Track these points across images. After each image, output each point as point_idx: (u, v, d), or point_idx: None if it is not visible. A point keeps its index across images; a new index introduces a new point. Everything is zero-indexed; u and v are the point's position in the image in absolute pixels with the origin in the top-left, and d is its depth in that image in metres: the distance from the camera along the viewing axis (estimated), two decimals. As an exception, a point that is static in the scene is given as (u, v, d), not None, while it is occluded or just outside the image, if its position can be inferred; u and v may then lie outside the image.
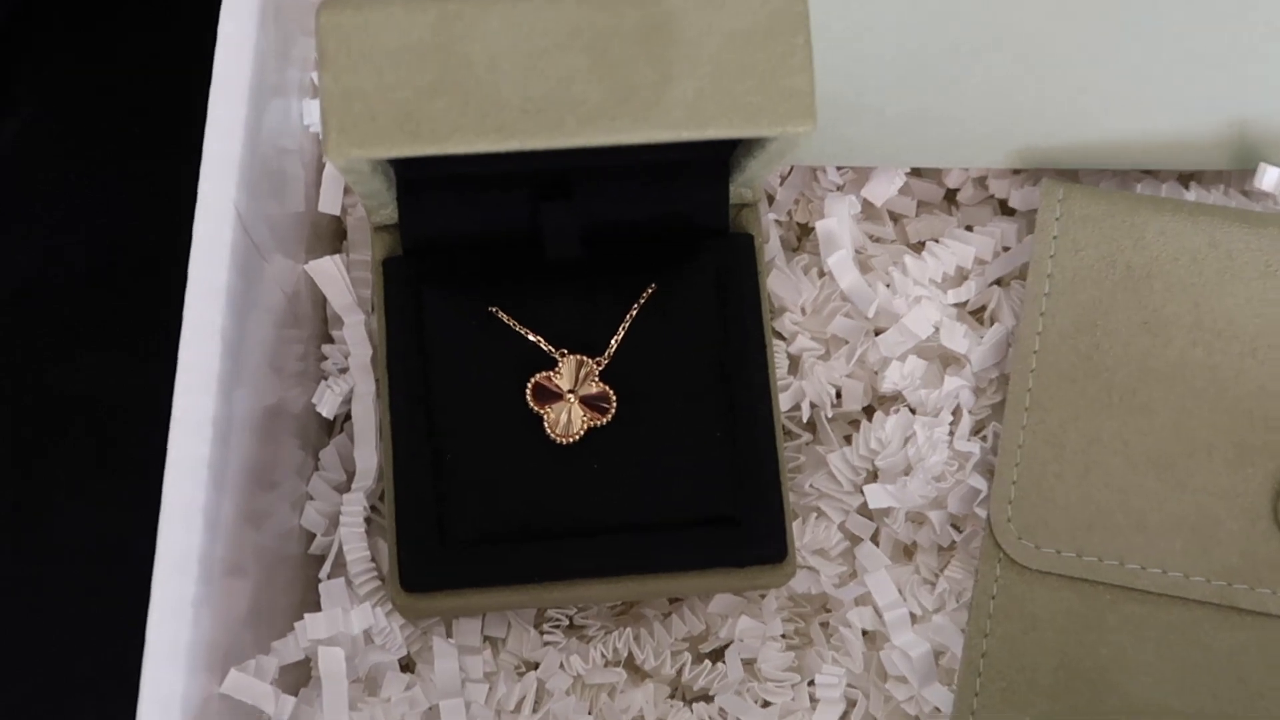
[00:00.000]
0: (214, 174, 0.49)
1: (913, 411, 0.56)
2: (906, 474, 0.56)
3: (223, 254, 0.48)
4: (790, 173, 0.59)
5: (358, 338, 0.57)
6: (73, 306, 0.68)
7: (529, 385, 0.51)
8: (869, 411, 0.58)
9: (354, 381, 0.57)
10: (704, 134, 0.44)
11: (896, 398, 0.57)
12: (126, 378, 0.65)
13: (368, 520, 0.56)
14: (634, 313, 0.52)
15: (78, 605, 0.65)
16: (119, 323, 0.67)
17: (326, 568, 0.56)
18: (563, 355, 0.52)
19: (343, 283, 0.57)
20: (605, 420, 0.52)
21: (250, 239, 0.50)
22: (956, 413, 0.56)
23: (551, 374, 0.52)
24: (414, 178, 0.53)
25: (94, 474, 0.66)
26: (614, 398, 0.52)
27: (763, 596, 0.57)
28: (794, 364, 0.58)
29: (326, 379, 0.57)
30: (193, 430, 0.46)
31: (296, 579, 0.57)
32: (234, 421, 0.51)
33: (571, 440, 0.51)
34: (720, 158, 0.53)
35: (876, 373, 0.57)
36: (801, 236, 0.61)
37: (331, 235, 0.61)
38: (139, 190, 0.69)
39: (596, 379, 0.52)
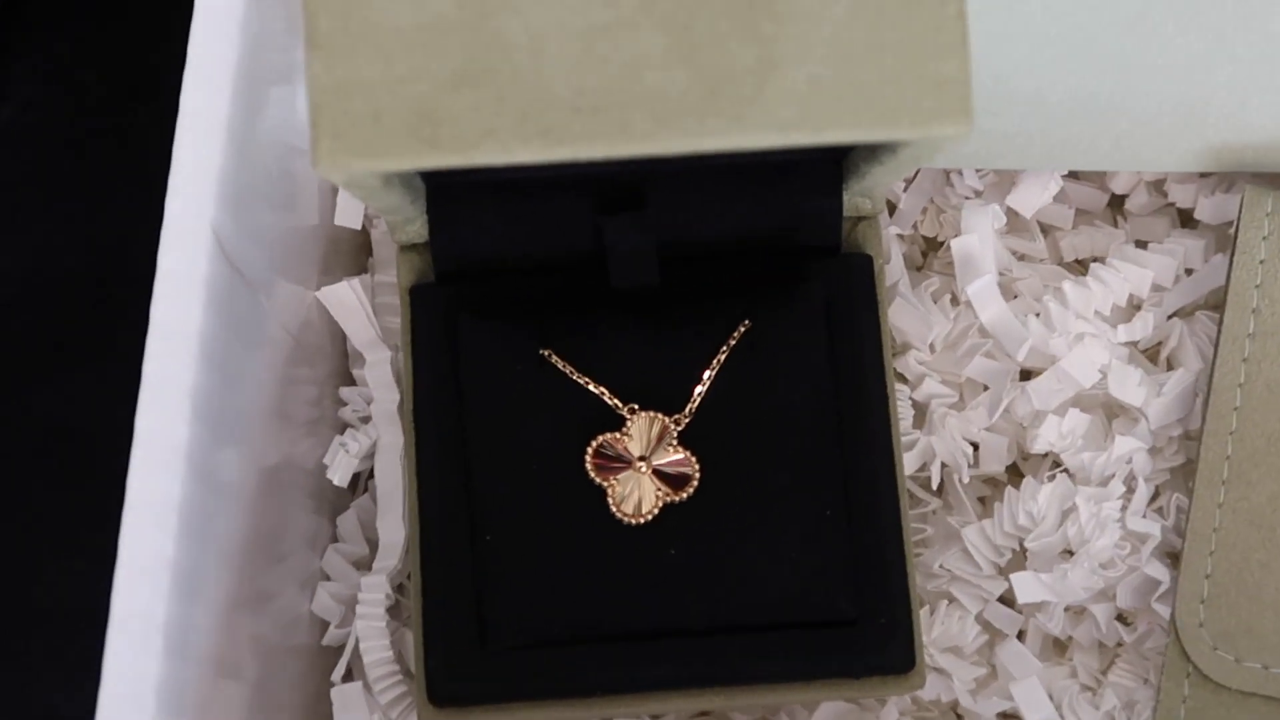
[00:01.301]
0: (185, 189, 0.38)
1: (1072, 479, 0.45)
2: (1065, 558, 0.44)
3: (194, 289, 0.37)
4: (916, 176, 0.47)
5: (382, 379, 0.47)
6: (56, 321, 0.58)
7: (590, 450, 0.42)
8: (1014, 475, 0.46)
9: (378, 433, 0.47)
10: (820, 138, 0.33)
11: (1051, 460, 0.46)
12: (110, 403, 0.55)
13: (391, 609, 0.45)
14: (722, 357, 0.42)
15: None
16: (102, 340, 0.57)
17: (340, 668, 0.46)
18: (632, 412, 0.41)
19: (362, 312, 0.46)
20: (685, 495, 0.43)
21: (233, 267, 0.40)
22: (1130, 481, 0.45)
23: (618, 435, 0.41)
24: (446, 184, 0.42)
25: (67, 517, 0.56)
26: (697, 466, 0.42)
27: (881, 703, 0.46)
28: (920, 414, 0.47)
29: (345, 431, 0.47)
30: (149, 516, 0.36)
31: (306, 677, 0.47)
32: (222, 487, 0.41)
33: (643, 520, 0.43)
34: (834, 159, 0.42)
35: (1025, 428, 0.46)
36: (929, 253, 0.49)
37: (355, 252, 0.51)
38: (127, 190, 0.60)
39: (674, 442, 0.42)
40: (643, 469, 0.42)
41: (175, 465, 0.37)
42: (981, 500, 0.48)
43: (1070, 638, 0.47)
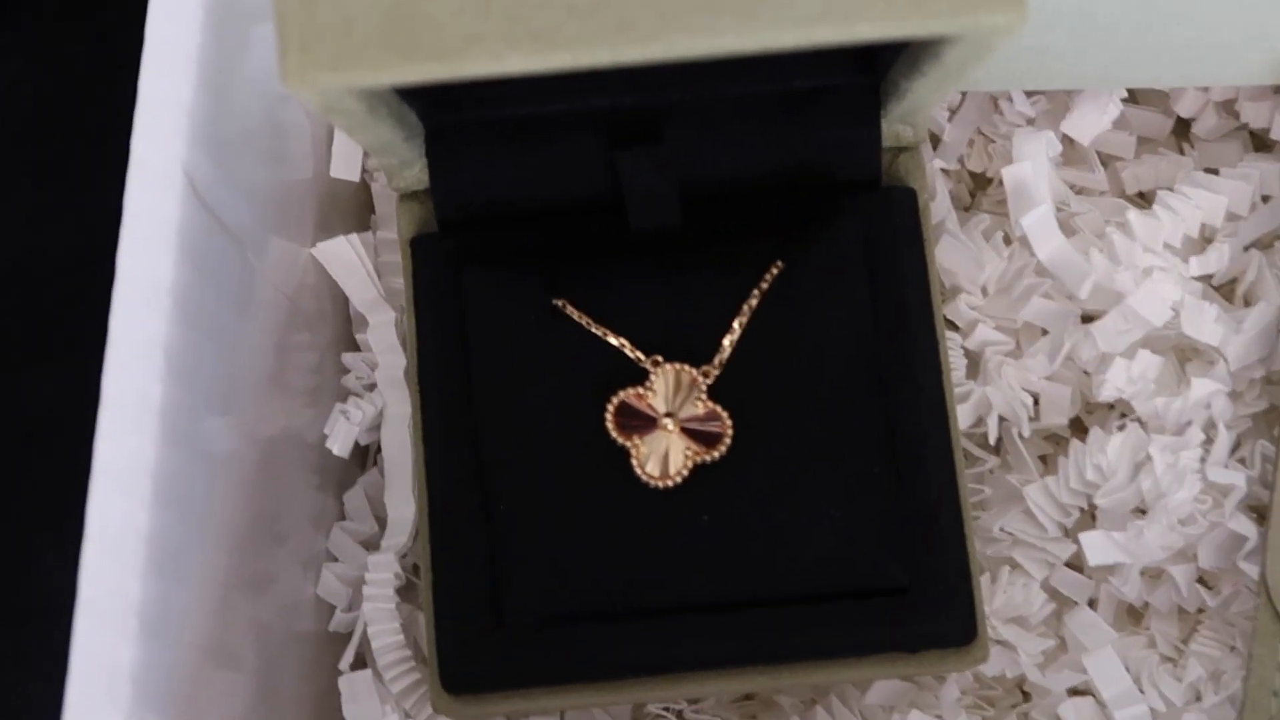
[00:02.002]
0: (153, 128, 0.34)
1: (1144, 428, 0.41)
2: (1138, 516, 0.40)
3: (165, 236, 0.34)
4: (962, 103, 0.43)
5: (386, 343, 0.43)
6: (42, 305, 0.55)
7: (611, 407, 0.38)
8: (1076, 430, 0.42)
9: (383, 401, 0.43)
10: (849, 33, 0.29)
11: (1120, 409, 0.41)
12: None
13: (401, 590, 0.41)
14: (753, 302, 0.38)
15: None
16: (91, 325, 0.54)
17: (348, 655, 0.43)
18: (656, 364, 0.37)
19: (362, 270, 0.43)
20: (717, 454, 0.39)
21: (213, 215, 0.36)
22: (1209, 429, 0.41)
23: (641, 390, 0.38)
24: (445, 124, 0.39)
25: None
26: (729, 422, 0.38)
27: (940, 680, 0.41)
28: (974, 364, 0.43)
29: (347, 399, 0.43)
30: (117, 481, 0.32)
31: (312, 665, 0.43)
32: (213, 460, 0.38)
33: (671, 483, 0.39)
34: (870, 80, 0.38)
35: (1090, 374, 0.41)
36: (977, 192, 0.45)
37: (356, 210, 0.47)
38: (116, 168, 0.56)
39: (703, 396, 0.38)
40: (669, 426, 0.38)
41: (147, 425, 0.34)
42: (1041, 459, 0.44)
43: (1147, 604, 0.42)
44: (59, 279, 0.57)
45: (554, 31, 0.29)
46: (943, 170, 0.44)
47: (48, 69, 0.61)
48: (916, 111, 0.39)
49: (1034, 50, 0.40)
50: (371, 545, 0.44)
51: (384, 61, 0.29)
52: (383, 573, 0.42)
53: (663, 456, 0.39)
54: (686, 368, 0.39)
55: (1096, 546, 0.40)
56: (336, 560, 0.44)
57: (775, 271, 0.40)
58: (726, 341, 0.39)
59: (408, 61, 0.29)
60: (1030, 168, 0.41)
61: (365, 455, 0.47)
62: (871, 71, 0.39)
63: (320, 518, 0.45)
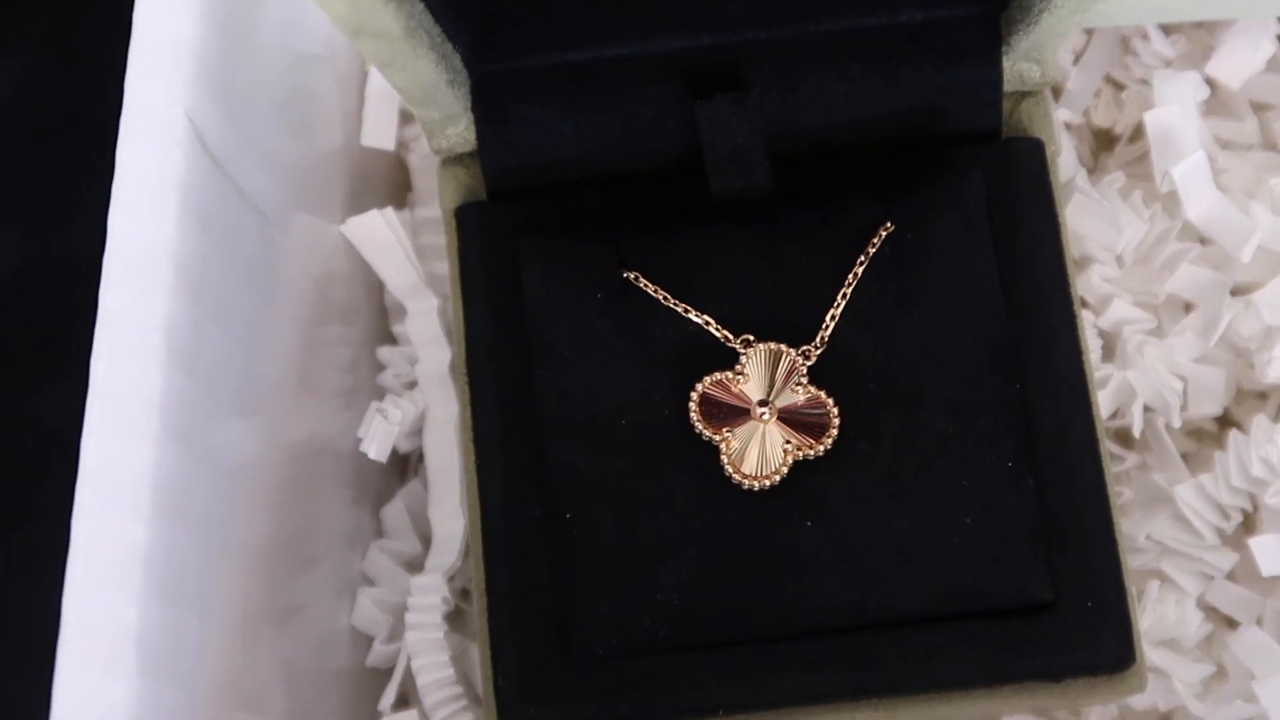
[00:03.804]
0: (149, 62, 0.29)
1: (1320, 414, 0.35)
2: (1315, 517, 0.34)
3: (164, 189, 0.28)
4: (1087, 44, 0.38)
5: (428, 334, 0.38)
6: (53, 315, 0.50)
7: (695, 395, 0.33)
8: (1229, 420, 0.36)
9: (425, 401, 0.37)
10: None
11: (1285, 393, 0.36)
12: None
13: (450, 617, 0.36)
14: (859, 270, 0.33)
15: None
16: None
17: (389, 694, 0.38)
18: (747, 345, 0.32)
19: (399, 248, 0.37)
20: (821, 449, 0.33)
21: (227, 177, 0.31)
22: (1399, 413, 0.34)
23: (731, 376, 0.32)
24: (494, 71, 0.33)
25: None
26: (835, 411, 0.32)
27: (1075, 715, 0.36)
28: (1109, 346, 0.37)
29: (384, 399, 0.37)
30: (107, 490, 0.27)
31: (347, 706, 0.38)
32: (230, 470, 0.33)
33: (768, 483, 0.33)
34: (989, 9, 0.33)
35: (1252, 354, 0.35)
36: (1100, 151, 0.39)
37: (391, 188, 0.42)
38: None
39: (804, 381, 0.32)
40: (765, 416, 0.33)
41: (145, 424, 0.28)
42: (1183, 455, 0.38)
43: (1322, 623, 0.36)
44: (64, 290, 0.53)
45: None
46: (1065, 125, 0.39)
47: (56, 65, 0.57)
48: (1047, 44, 0.34)
49: (1179, -26, 0.34)
50: (414, 567, 0.40)
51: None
52: (428, 597, 0.37)
53: (758, 453, 0.33)
54: (783, 348, 0.33)
55: (1271, 553, 0.34)
56: (374, 584, 0.40)
57: (884, 235, 0.34)
58: (829, 317, 0.34)
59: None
60: (1178, 112, 0.35)
61: (405, 464, 0.42)
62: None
63: (355, 536, 0.40)
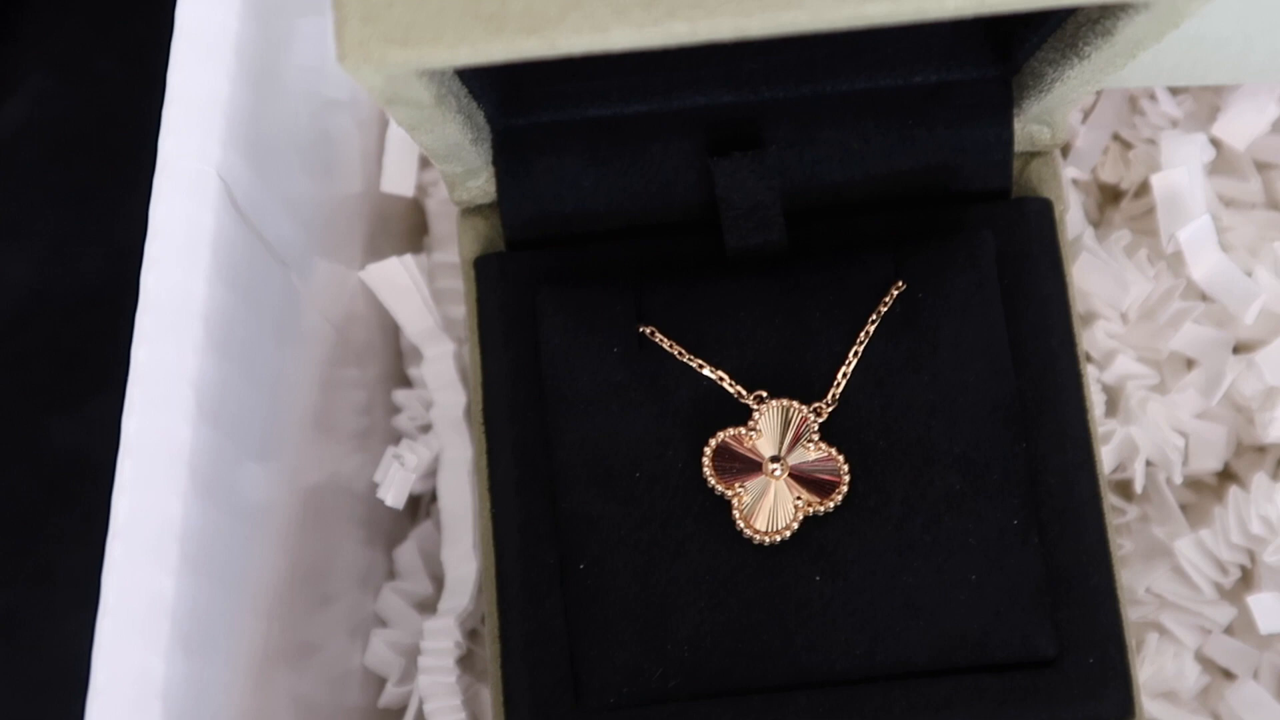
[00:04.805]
0: (183, 124, 0.29)
1: (1319, 473, 0.35)
2: (1313, 575, 0.35)
3: (197, 249, 0.29)
4: (1096, 103, 0.38)
5: (444, 378, 0.39)
6: (72, 338, 0.50)
7: (708, 450, 0.33)
8: (1222, 477, 0.37)
9: (440, 444, 0.38)
10: (1006, 2, 0.24)
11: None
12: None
13: (462, 660, 0.36)
14: (870, 329, 0.33)
15: None
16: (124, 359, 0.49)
17: None
18: (760, 401, 0.33)
19: (417, 295, 0.38)
20: (831, 504, 0.34)
21: (253, 230, 0.31)
22: (1397, 474, 0.35)
23: (744, 431, 0.33)
24: (517, 125, 0.34)
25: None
26: (845, 469, 0.32)
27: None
28: (1113, 400, 0.37)
29: (400, 442, 0.38)
30: (140, 544, 0.27)
31: (360, 747, 0.38)
32: (247, 513, 0.33)
33: (779, 538, 0.34)
34: (1002, 73, 0.33)
35: (1252, 412, 0.36)
36: (1106, 206, 0.40)
37: (408, 231, 0.42)
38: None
39: (815, 437, 0.32)
40: (777, 472, 0.33)
41: (175, 478, 0.29)
42: (1183, 508, 0.39)
43: (1317, 676, 0.37)
44: (87, 313, 0.53)
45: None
46: (1073, 181, 0.39)
47: (76, 85, 0.57)
48: (1058, 109, 0.34)
49: (1190, 37, 0.35)
50: (427, 608, 0.40)
51: (466, 34, 0.24)
52: (440, 640, 0.38)
53: (769, 507, 0.33)
54: (795, 404, 0.34)
55: (1269, 611, 0.35)
56: (387, 625, 0.40)
57: (895, 293, 0.34)
58: (840, 374, 0.34)
59: (495, 34, 0.24)
60: (1184, 174, 0.36)
61: (418, 506, 0.42)
62: (1005, 62, 0.34)
63: (368, 576, 0.40)
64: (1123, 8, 0.27)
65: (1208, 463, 0.38)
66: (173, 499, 0.29)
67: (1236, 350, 0.38)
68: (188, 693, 0.29)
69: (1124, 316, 0.38)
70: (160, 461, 0.28)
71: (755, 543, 0.34)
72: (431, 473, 0.40)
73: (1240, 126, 0.38)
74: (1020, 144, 0.36)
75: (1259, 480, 0.36)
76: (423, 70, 0.26)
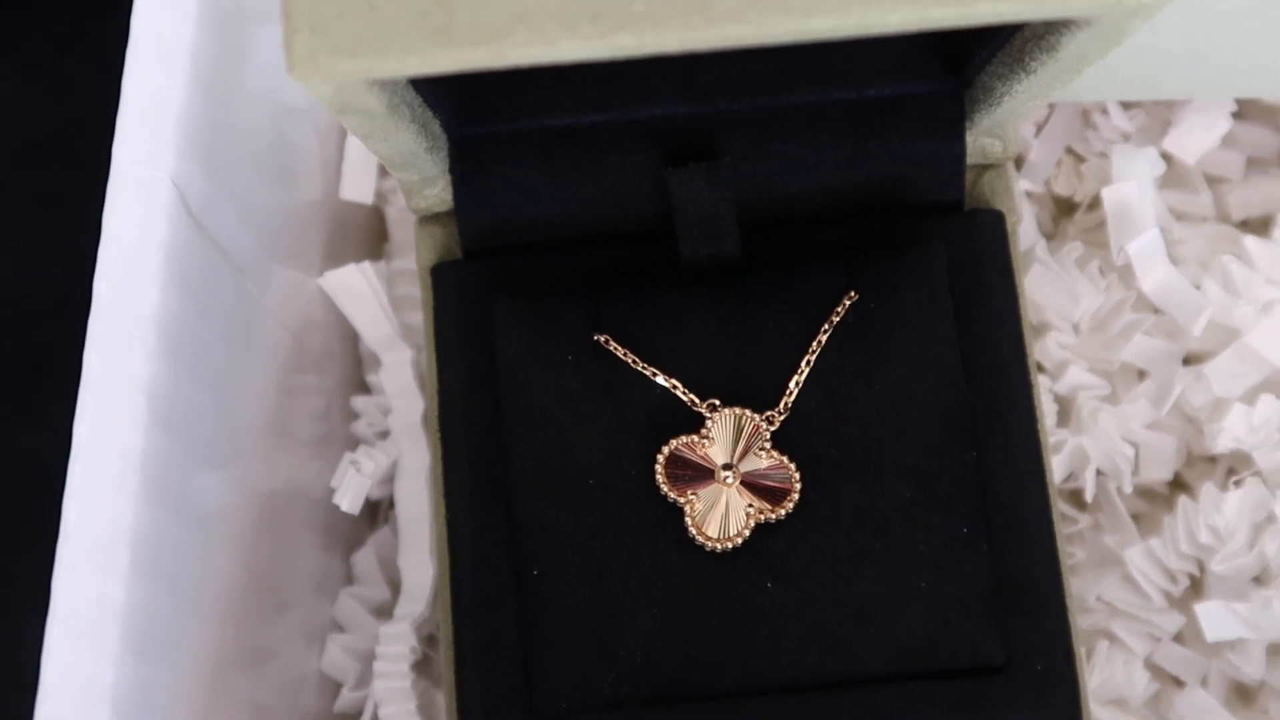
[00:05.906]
0: (137, 131, 0.29)
1: (1266, 483, 0.36)
2: (1261, 582, 0.35)
3: (149, 257, 0.29)
4: (1049, 117, 0.39)
5: (401, 385, 0.39)
6: (41, 344, 0.50)
7: (660, 457, 0.34)
8: (1174, 486, 0.37)
9: (398, 451, 0.38)
10: (974, 12, 0.24)
11: (1238, 461, 0.36)
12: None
13: (418, 665, 0.36)
14: (822, 338, 0.34)
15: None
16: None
17: None
18: (713, 409, 0.33)
19: (375, 302, 0.38)
20: (783, 512, 0.34)
21: (207, 236, 0.31)
22: (1341, 485, 0.36)
23: (696, 439, 0.33)
24: (473, 134, 0.34)
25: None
26: (796, 476, 0.33)
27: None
28: (1065, 410, 0.38)
29: (357, 449, 0.38)
30: (88, 550, 0.27)
31: (316, 752, 0.38)
32: (202, 519, 0.33)
33: (731, 545, 0.34)
34: (954, 86, 0.34)
35: (1203, 422, 0.36)
36: (1060, 218, 0.40)
37: (368, 238, 0.42)
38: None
39: (767, 445, 0.33)
40: (729, 480, 0.33)
41: (126, 483, 0.29)
42: (1135, 517, 0.39)
43: (1264, 683, 0.37)
44: (47, 319, 0.52)
45: (617, 10, 0.25)
46: (1026, 194, 0.40)
47: (36, 91, 0.57)
48: (1009, 122, 0.35)
49: (1139, 52, 0.36)
50: (383, 614, 0.40)
51: (414, 45, 0.25)
52: (396, 646, 0.38)
53: (721, 515, 0.34)
54: (747, 413, 0.34)
55: (1215, 619, 0.35)
56: (343, 631, 0.40)
57: (847, 303, 0.35)
58: (793, 383, 0.34)
59: (443, 46, 0.25)
60: (1135, 188, 0.36)
61: (376, 512, 0.42)
62: (957, 76, 0.35)
63: (325, 582, 0.40)
64: (1066, 24, 0.28)
65: (1158, 472, 0.38)
66: (124, 504, 0.29)
67: (1186, 362, 0.38)
68: (138, 698, 0.29)
69: (1076, 328, 0.39)
70: (111, 467, 0.29)
71: (708, 550, 0.34)
72: (390, 479, 0.40)
73: (1191, 141, 0.38)
74: (973, 156, 0.36)
75: (1207, 490, 0.37)
76: (373, 80, 0.27)
